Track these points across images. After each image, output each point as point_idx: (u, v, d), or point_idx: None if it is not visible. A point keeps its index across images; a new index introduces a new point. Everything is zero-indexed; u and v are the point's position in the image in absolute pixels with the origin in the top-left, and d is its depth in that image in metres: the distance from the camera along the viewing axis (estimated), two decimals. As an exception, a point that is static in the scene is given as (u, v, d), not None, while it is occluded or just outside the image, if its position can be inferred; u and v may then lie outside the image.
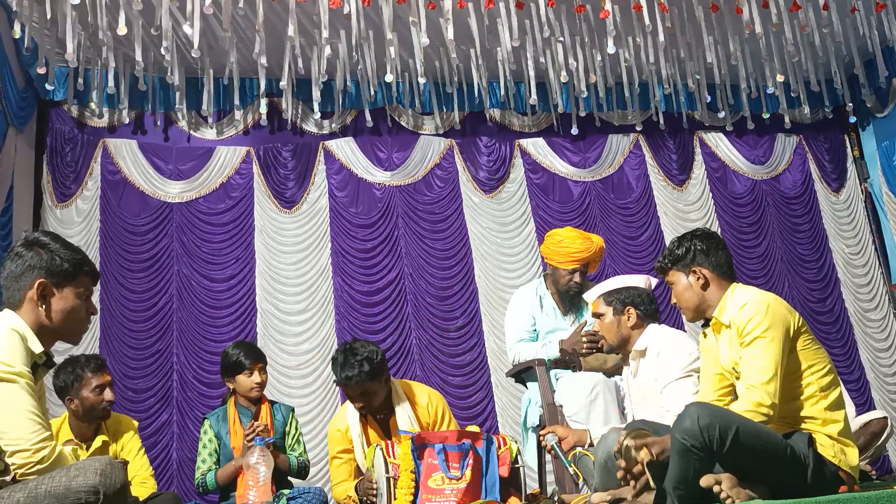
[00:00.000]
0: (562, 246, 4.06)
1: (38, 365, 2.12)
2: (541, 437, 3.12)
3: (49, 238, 2.20)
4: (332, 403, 6.00)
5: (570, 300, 4.16)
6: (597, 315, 3.27)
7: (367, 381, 3.29)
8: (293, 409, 3.94)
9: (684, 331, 4.04)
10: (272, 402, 3.87)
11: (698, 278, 2.71)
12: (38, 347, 2.09)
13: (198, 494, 3.77)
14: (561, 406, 3.71)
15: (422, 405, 3.52)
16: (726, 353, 2.64)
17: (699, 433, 2.25)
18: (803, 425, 2.50)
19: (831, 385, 2.54)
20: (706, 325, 2.77)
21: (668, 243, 3.07)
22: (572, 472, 2.95)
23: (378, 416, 3.50)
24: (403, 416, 3.44)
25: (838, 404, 2.53)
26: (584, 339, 3.79)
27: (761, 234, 7.09)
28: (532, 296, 4.23)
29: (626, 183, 7.03)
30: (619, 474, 2.45)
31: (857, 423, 3.98)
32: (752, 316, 2.51)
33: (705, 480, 2.25)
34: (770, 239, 7.08)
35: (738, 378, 2.59)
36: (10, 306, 2.14)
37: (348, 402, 3.49)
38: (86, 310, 2.22)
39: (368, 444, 3.44)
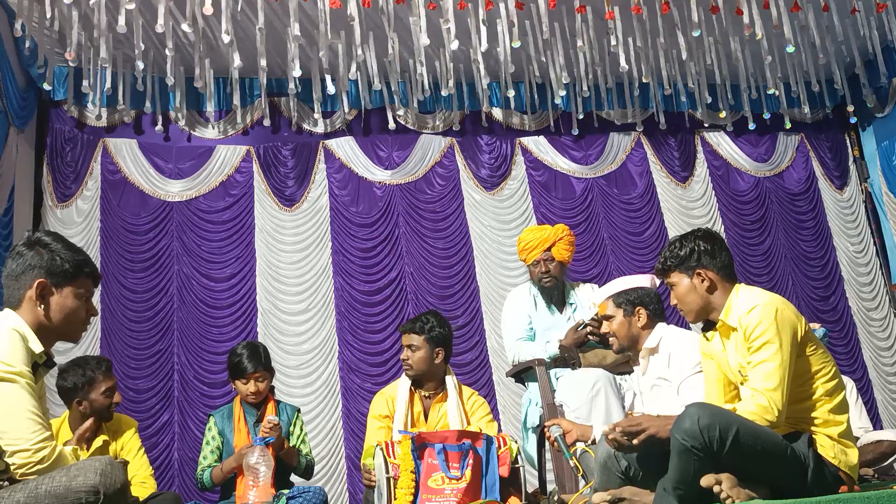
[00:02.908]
0: (519, 246, 4.31)
1: (38, 365, 2.12)
2: (545, 428, 3.12)
3: (51, 238, 2.20)
4: (332, 403, 6.00)
5: (552, 294, 4.19)
6: (606, 318, 3.24)
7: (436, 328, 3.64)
8: (298, 410, 3.93)
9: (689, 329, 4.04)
10: (278, 402, 3.86)
11: (703, 280, 2.63)
12: (38, 347, 2.09)
13: (198, 489, 3.79)
14: (561, 406, 3.71)
15: (465, 397, 3.74)
16: (734, 357, 2.60)
17: (699, 434, 2.25)
18: (805, 426, 2.50)
19: (836, 389, 2.53)
20: (706, 327, 2.72)
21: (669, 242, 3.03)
22: (573, 465, 2.95)
23: (426, 395, 3.66)
24: (453, 401, 3.62)
25: (842, 407, 2.52)
26: (587, 328, 3.81)
27: (765, 231, 7.06)
28: (526, 295, 4.28)
29: (629, 179, 7.02)
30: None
31: (868, 438, 4.02)
32: (760, 320, 2.45)
33: (705, 480, 2.25)
34: (774, 236, 7.05)
35: (742, 382, 2.57)
36: (10, 305, 2.14)
37: (401, 379, 3.72)
38: (85, 311, 2.22)
39: (411, 414, 3.62)
